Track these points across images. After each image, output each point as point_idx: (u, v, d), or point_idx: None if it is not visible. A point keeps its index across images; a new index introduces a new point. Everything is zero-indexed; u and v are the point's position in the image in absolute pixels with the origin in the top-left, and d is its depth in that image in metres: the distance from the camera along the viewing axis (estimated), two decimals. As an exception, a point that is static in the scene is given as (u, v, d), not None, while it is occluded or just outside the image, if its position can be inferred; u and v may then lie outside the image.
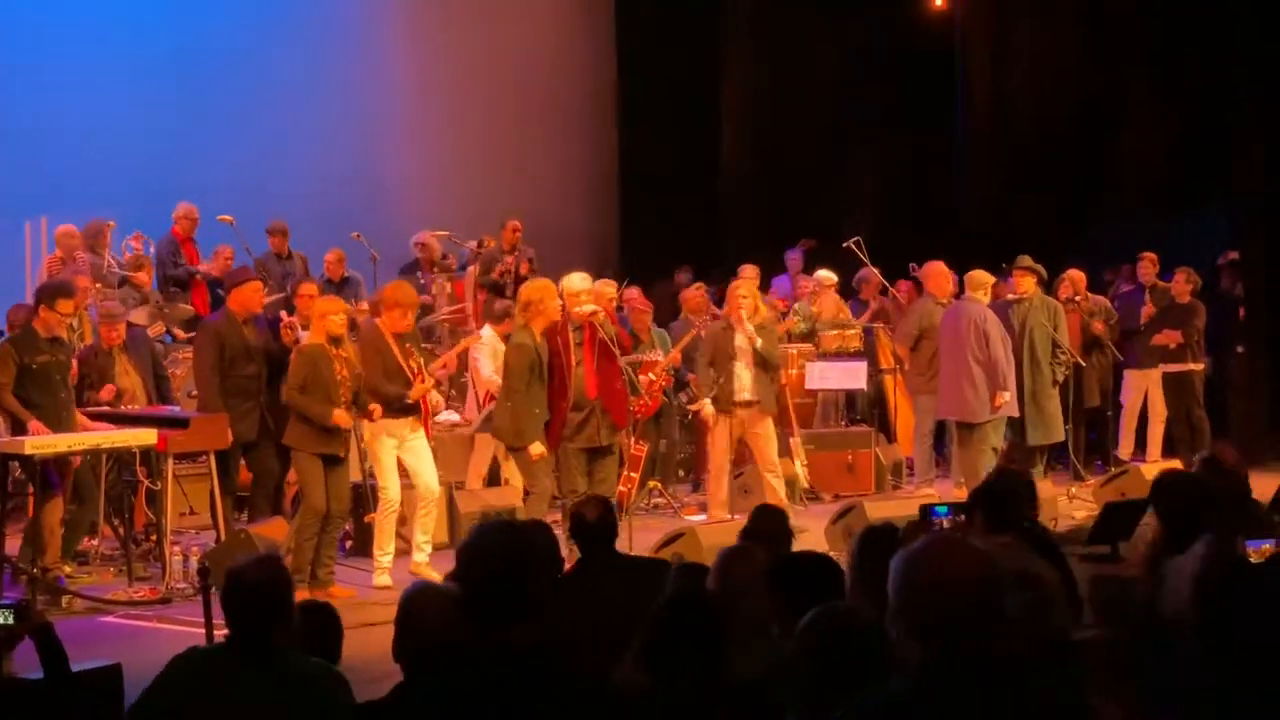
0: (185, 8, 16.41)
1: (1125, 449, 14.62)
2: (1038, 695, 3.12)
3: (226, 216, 13.53)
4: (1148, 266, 14.87)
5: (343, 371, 9.65)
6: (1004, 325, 12.51)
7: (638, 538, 10.38)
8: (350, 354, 9.76)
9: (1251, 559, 5.76)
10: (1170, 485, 6.27)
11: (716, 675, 4.15)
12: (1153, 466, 12.77)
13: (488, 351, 11.88)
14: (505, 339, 11.08)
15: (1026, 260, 13.10)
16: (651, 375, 12.57)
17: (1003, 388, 12.12)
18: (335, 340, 9.71)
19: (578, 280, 10.76)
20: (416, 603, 4.57)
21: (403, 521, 10.31)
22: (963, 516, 5.88)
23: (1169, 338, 14.36)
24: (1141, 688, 4.53)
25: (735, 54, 19.14)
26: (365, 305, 12.67)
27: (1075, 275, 14.34)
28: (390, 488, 9.99)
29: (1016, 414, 12.51)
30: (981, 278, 12.59)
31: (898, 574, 3.22)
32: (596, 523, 6.39)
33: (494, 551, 3.48)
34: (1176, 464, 12.85)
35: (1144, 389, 14.56)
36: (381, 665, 4.93)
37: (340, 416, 9.59)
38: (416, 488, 10.16)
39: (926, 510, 6.01)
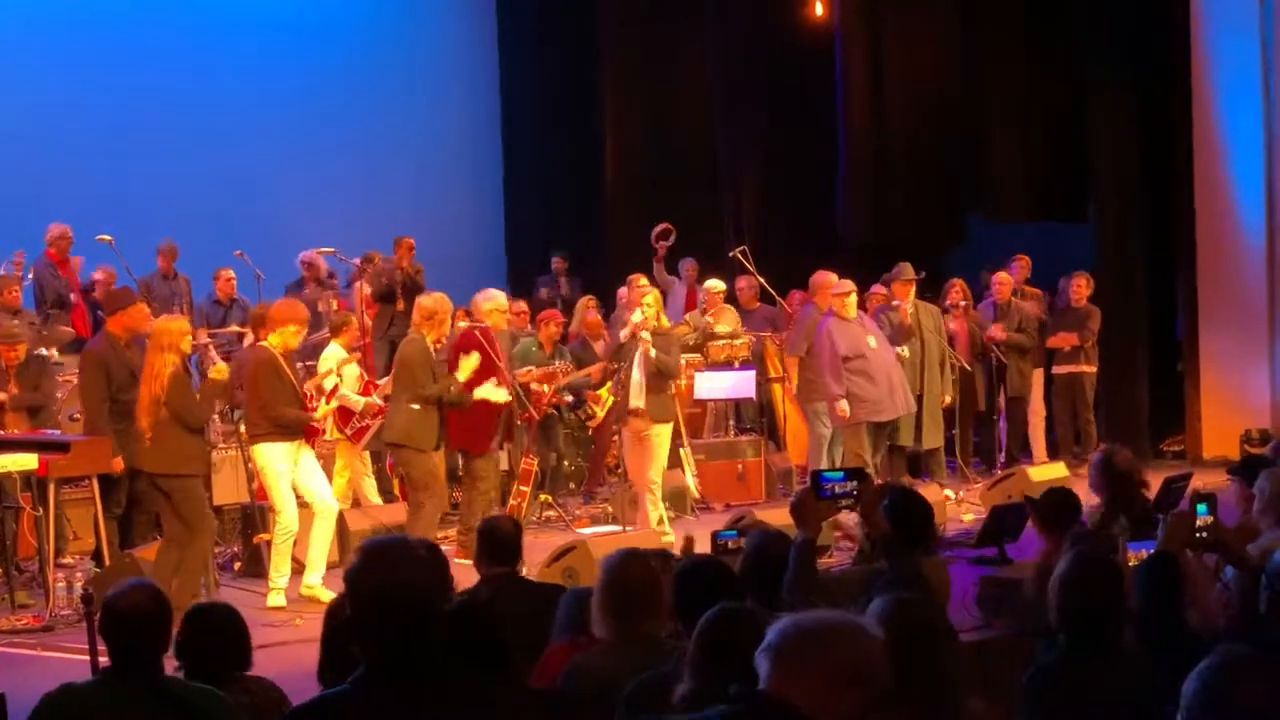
0: (72, 26, 16.18)
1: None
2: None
3: (106, 236, 13.31)
4: (1021, 270, 15.03)
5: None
6: (885, 331, 12.81)
7: (530, 551, 10.33)
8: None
9: (1131, 562, 5.89)
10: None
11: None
12: (1040, 468, 12.93)
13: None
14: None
15: (909, 271, 13.24)
16: (545, 387, 12.57)
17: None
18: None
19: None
20: None
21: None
22: (855, 483, 5.81)
23: (1065, 340, 14.57)
24: (1023, 686, 4.63)
25: (614, 63, 19.11)
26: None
27: (959, 284, 14.50)
28: (286, 512, 9.81)
29: (915, 408, 12.74)
30: (845, 286, 12.72)
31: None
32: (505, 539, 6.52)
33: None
34: (1060, 466, 13.05)
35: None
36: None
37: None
38: (313, 505, 9.97)
39: (817, 477, 5.90)
